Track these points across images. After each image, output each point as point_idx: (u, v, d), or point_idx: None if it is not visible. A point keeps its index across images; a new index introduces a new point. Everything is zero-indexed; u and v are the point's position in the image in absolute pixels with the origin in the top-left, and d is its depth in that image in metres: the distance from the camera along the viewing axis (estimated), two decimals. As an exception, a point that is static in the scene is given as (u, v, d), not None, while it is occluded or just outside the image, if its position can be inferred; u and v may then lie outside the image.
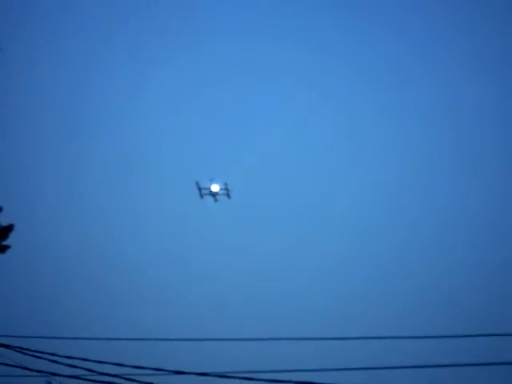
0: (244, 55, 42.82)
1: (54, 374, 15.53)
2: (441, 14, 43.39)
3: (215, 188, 36.84)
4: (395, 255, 38.83)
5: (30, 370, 15.45)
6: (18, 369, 15.52)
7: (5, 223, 18.20)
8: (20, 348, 15.37)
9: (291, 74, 43.10)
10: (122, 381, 15.10)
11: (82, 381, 15.48)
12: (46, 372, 15.44)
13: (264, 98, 42.95)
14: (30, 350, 15.33)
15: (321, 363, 14.02)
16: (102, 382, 15.06)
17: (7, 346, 15.38)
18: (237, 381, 14.14)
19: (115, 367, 15.29)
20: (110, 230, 38.44)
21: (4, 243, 18.26)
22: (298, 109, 42.91)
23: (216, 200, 36.91)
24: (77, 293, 34.89)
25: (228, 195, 36.89)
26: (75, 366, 15.15)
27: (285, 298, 36.39)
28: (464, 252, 38.34)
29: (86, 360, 15.40)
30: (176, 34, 42.61)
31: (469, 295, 35.40)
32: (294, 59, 42.73)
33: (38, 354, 15.32)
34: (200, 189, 36.63)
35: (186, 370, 14.79)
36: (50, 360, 15.31)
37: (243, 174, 39.60)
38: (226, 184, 36.94)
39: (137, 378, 15.00)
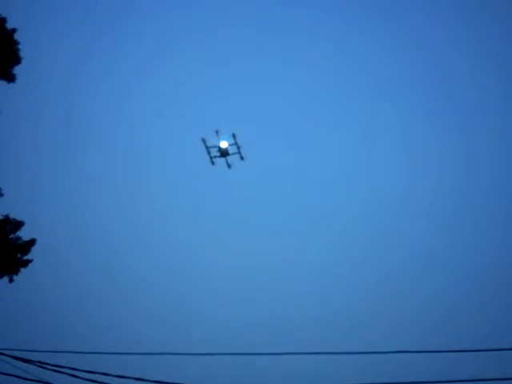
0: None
1: (75, 389, 15.42)
2: (450, 10, 43.08)
3: (224, 144, 31.16)
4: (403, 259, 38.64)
5: (50, 384, 15.39)
6: (39, 384, 15.48)
7: (26, 238, 18.42)
8: (40, 363, 15.31)
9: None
10: (142, 395, 14.99)
11: (102, 395, 15.37)
12: (66, 387, 15.36)
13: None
14: (51, 365, 15.27)
15: (344, 377, 13.81)
16: (123, 396, 14.95)
17: (28, 361, 15.33)
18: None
19: (136, 382, 15.18)
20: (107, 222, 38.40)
21: (26, 257, 18.42)
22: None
23: (229, 166, 31.56)
24: (97, 306, 34.96)
25: (240, 155, 31.23)
26: (95, 381, 15.06)
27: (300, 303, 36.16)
28: (474, 262, 37.97)
29: (106, 374, 15.30)
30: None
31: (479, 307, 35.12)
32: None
33: (59, 369, 15.25)
34: (208, 148, 31.12)
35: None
36: (70, 375, 15.24)
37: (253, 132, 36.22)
38: (234, 137, 31.11)
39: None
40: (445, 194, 40.93)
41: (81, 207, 38.66)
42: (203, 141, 31.43)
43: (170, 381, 15.11)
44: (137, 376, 15.15)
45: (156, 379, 14.96)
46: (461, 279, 37.61)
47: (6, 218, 18.38)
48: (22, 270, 18.16)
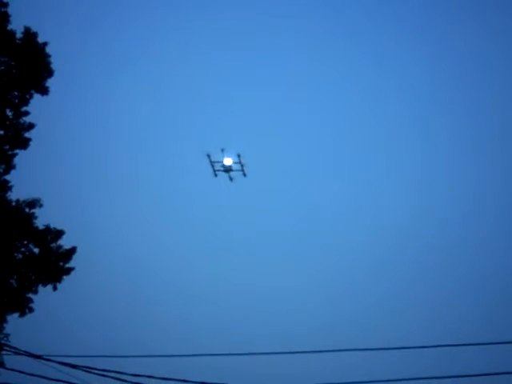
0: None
1: (121, 392, 15.79)
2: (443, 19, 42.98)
3: (228, 161, 33.10)
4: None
5: (97, 388, 15.79)
6: (86, 388, 15.89)
7: (67, 246, 18.88)
8: (87, 367, 15.71)
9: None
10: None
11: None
12: (112, 390, 15.73)
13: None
14: (97, 369, 15.67)
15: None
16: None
17: (74, 366, 15.74)
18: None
19: None
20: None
21: (67, 265, 18.86)
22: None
23: (231, 179, 33.29)
24: (139, 310, 35.28)
25: (243, 172, 33.14)
26: (140, 384, 15.44)
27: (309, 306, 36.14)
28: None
29: (151, 377, 15.67)
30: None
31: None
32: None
33: (105, 373, 15.65)
34: (212, 163, 32.98)
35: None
36: (116, 378, 15.62)
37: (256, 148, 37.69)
38: (239, 156, 33.09)
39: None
40: (451, 206, 41.04)
41: (79, 211, 38.90)
42: (208, 156, 33.43)
43: (211, 381, 15.47)
44: (181, 378, 15.51)
45: (199, 380, 15.32)
46: (465, 285, 37.54)
47: (47, 228, 18.83)
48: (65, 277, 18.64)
